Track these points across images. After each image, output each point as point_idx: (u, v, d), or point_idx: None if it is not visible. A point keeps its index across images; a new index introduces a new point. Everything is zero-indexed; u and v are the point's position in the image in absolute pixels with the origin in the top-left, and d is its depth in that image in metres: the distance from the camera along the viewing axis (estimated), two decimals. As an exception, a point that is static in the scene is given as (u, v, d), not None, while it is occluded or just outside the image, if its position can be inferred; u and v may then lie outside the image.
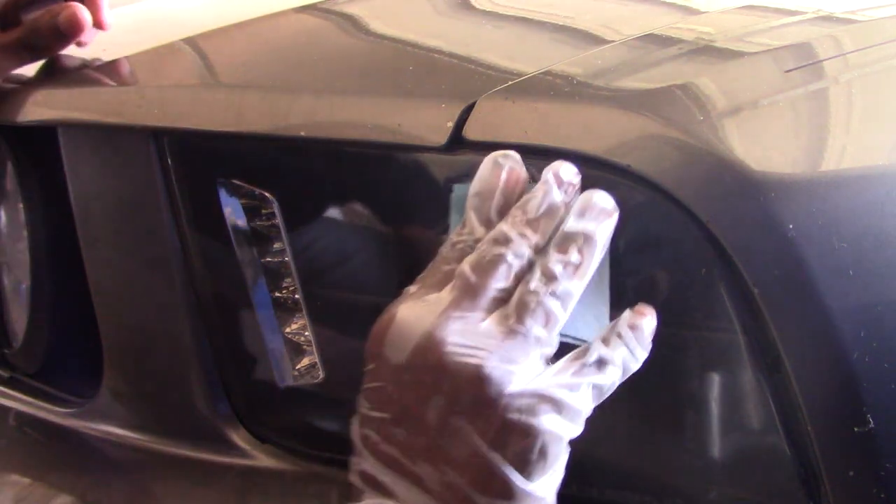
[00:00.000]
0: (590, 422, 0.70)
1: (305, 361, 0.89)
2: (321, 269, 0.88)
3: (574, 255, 0.66)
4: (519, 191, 0.69)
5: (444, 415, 0.62)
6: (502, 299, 0.65)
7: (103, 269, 0.96)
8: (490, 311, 0.65)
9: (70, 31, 0.99)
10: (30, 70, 1.05)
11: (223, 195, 0.88)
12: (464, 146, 0.77)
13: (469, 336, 0.63)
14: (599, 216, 0.67)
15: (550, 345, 0.65)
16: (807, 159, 0.78)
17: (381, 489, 0.64)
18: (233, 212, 0.88)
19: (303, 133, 0.82)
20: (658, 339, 0.73)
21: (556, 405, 0.63)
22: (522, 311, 0.64)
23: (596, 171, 0.74)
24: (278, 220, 0.87)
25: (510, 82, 0.80)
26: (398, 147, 0.80)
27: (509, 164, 0.70)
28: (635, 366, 0.67)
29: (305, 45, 1.03)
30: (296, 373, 0.89)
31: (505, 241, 0.66)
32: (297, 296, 0.87)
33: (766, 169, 0.74)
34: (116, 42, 1.07)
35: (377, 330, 0.66)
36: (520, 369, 0.62)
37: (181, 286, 0.90)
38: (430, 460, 0.63)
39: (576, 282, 0.66)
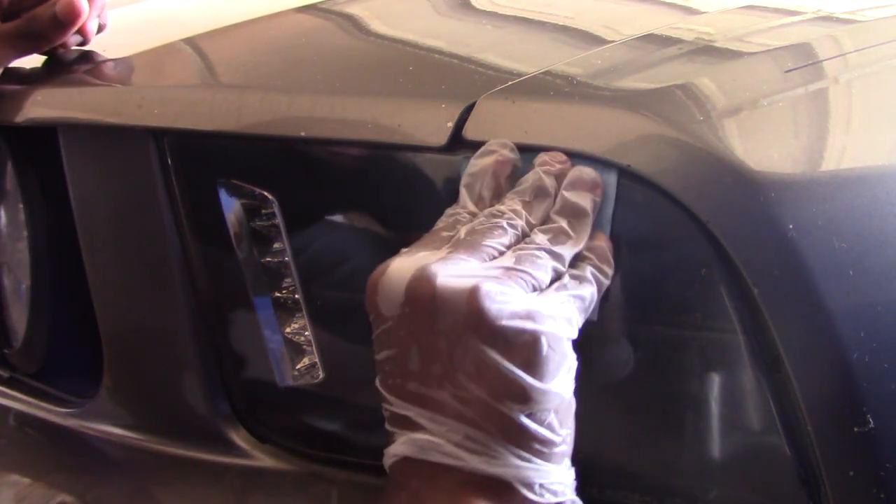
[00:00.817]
0: (590, 422, 0.70)
1: (305, 361, 0.89)
2: (321, 270, 0.88)
3: (564, 224, 0.72)
4: (508, 174, 0.75)
5: (451, 338, 0.65)
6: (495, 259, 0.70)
7: (103, 269, 0.96)
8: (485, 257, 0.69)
9: (68, 19, 0.99)
10: (30, 70, 1.05)
11: (223, 195, 0.88)
12: (464, 146, 0.77)
13: (463, 269, 0.67)
14: (587, 189, 0.73)
15: (540, 288, 0.69)
16: (807, 159, 0.78)
17: (409, 426, 0.67)
18: (233, 212, 0.88)
19: (303, 133, 0.82)
20: (658, 338, 0.74)
21: (550, 314, 0.67)
22: (515, 258, 0.69)
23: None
24: (278, 220, 0.87)
25: (510, 82, 0.80)
26: (398, 147, 0.80)
27: (501, 149, 0.75)
28: (606, 280, 0.72)
29: (305, 45, 1.03)
30: (296, 373, 0.89)
31: (499, 213, 0.71)
32: (297, 296, 0.87)
33: (766, 169, 0.74)
34: (116, 42, 1.07)
35: (372, 281, 0.69)
36: (512, 292, 0.66)
37: (181, 286, 0.90)
38: (446, 385, 0.66)
39: (567, 247, 0.71)
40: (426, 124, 0.78)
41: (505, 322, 0.64)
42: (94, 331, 0.97)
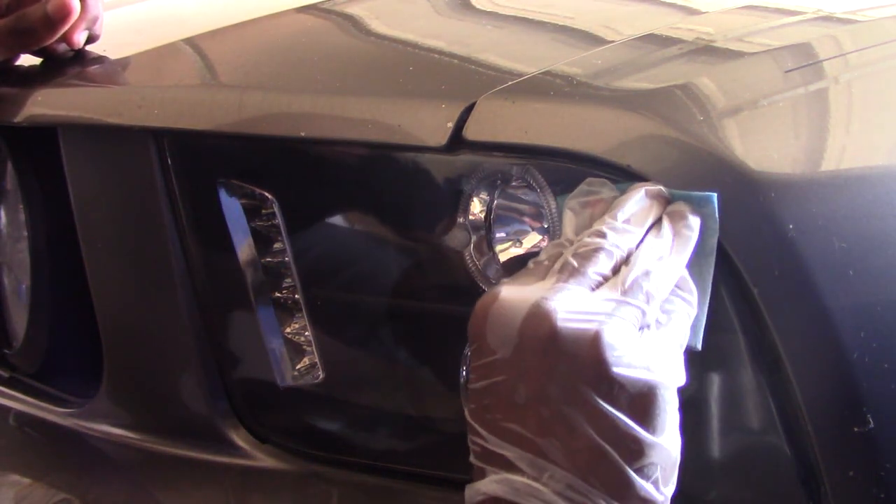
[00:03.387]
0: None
1: (305, 361, 0.89)
2: (321, 269, 0.88)
3: (664, 254, 0.69)
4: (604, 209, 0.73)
5: (566, 383, 0.63)
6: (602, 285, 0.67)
7: (103, 269, 0.96)
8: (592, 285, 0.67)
9: (58, 17, 0.98)
10: (30, 70, 1.05)
11: (223, 195, 0.88)
12: (464, 146, 0.77)
13: (578, 304, 0.64)
14: (684, 222, 0.71)
15: (647, 325, 0.67)
16: (807, 159, 0.78)
17: (503, 465, 0.64)
18: (233, 212, 0.88)
19: (303, 133, 0.82)
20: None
21: (665, 363, 0.65)
22: (624, 285, 0.66)
23: (596, 171, 0.74)
24: (278, 220, 0.87)
25: (510, 82, 0.80)
26: (398, 147, 0.80)
27: (602, 189, 0.73)
28: (692, 310, 0.70)
29: (305, 45, 1.03)
30: (296, 373, 0.89)
31: (601, 234, 0.69)
32: (297, 296, 0.87)
33: (766, 169, 0.74)
34: (116, 42, 1.07)
35: (480, 309, 0.66)
36: (630, 338, 0.64)
37: (181, 286, 0.90)
38: (555, 430, 0.63)
39: (668, 270, 0.68)
40: (426, 124, 0.78)
41: (623, 372, 0.62)
42: (94, 331, 0.97)
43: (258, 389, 0.92)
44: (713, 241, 0.71)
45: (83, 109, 0.95)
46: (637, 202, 0.71)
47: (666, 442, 0.64)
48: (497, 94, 0.78)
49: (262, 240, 0.87)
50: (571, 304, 0.64)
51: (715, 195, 0.71)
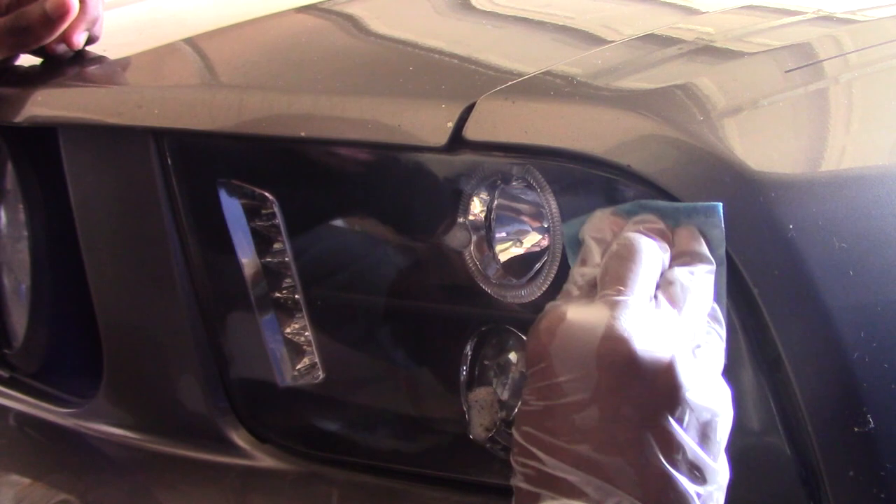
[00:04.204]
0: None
1: (305, 361, 0.89)
2: (321, 269, 0.88)
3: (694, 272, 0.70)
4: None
5: (642, 406, 0.63)
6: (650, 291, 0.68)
7: (103, 269, 0.96)
8: (647, 299, 0.67)
9: (57, 14, 0.98)
10: (30, 70, 1.05)
11: (223, 195, 0.88)
12: (464, 146, 0.77)
13: (648, 326, 0.64)
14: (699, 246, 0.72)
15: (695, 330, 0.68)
16: (807, 159, 0.78)
17: (565, 490, 0.63)
18: (233, 212, 0.88)
19: (303, 133, 0.82)
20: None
21: (725, 390, 0.66)
22: (673, 296, 0.67)
23: (596, 171, 0.74)
24: (278, 220, 0.87)
25: (510, 82, 0.80)
26: (398, 147, 0.80)
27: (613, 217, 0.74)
28: (723, 334, 0.70)
29: (305, 45, 1.03)
30: (296, 373, 0.89)
31: (634, 256, 0.68)
32: (297, 296, 0.87)
33: (766, 169, 0.74)
34: (116, 42, 1.07)
35: (545, 330, 0.66)
36: (700, 365, 0.65)
37: (181, 286, 0.90)
38: (627, 454, 0.63)
39: (697, 290, 0.69)
40: (426, 124, 0.78)
41: (696, 399, 0.63)
42: (94, 331, 0.97)
43: (258, 389, 0.92)
44: (721, 252, 0.71)
45: (83, 109, 0.95)
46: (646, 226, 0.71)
47: (722, 468, 0.65)
48: (497, 94, 0.78)
49: (262, 240, 0.87)
50: (642, 326, 0.64)
51: (720, 205, 0.71)
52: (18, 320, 1.10)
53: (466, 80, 0.84)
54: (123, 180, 0.93)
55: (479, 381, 0.83)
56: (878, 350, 0.74)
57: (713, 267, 0.70)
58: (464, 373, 0.83)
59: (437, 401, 0.86)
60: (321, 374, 0.88)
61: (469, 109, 0.77)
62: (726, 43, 0.89)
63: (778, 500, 0.77)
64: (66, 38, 1.02)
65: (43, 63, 1.06)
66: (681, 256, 0.70)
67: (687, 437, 0.63)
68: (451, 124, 0.77)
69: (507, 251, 0.80)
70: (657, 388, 0.63)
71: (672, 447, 0.63)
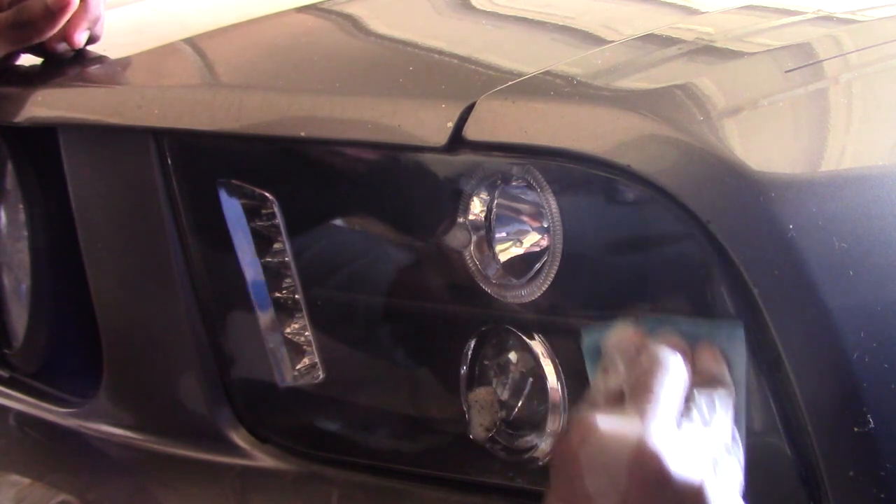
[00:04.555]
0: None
1: (305, 361, 0.89)
2: (321, 269, 0.88)
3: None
4: None
5: None
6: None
7: (103, 269, 0.96)
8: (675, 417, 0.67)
9: (58, 7, 0.98)
10: (30, 70, 1.05)
11: (223, 195, 0.88)
12: (464, 146, 0.77)
13: (677, 446, 0.64)
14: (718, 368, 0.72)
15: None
16: (807, 159, 0.78)
17: None
18: (233, 212, 0.88)
19: (303, 133, 0.82)
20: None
21: None
22: (698, 416, 0.67)
23: (596, 171, 0.74)
24: (278, 220, 0.87)
25: (510, 82, 0.80)
26: (398, 147, 0.80)
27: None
28: (740, 456, 0.70)
29: (305, 45, 1.03)
30: (296, 373, 0.89)
31: (660, 370, 0.68)
32: (297, 296, 0.87)
33: (766, 169, 0.74)
34: (116, 42, 1.07)
35: (577, 438, 0.65)
36: (715, 478, 0.64)
37: (181, 286, 0.90)
38: None
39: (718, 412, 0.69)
40: (426, 124, 0.78)
41: None
42: (94, 331, 0.97)
43: (258, 389, 0.92)
44: (741, 373, 0.72)
45: (83, 109, 0.95)
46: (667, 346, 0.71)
47: None
48: (497, 94, 0.78)
49: (262, 240, 0.87)
50: (673, 444, 0.63)
51: (741, 326, 0.72)
52: (18, 320, 1.10)
53: (466, 80, 0.84)
54: (123, 180, 0.93)
55: (479, 381, 0.83)
56: (878, 350, 0.74)
57: (732, 390, 0.71)
58: (464, 373, 0.83)
59: (437, 401, 0.87)
60: (321, 374, 0.88)
61: (469, 109, 0.77)
62: (726, 43, 0.89)
63: (778, 500, 0.76)
64: (67, 37, 1.02)
65: (43, 63, 1.06)
66: (702, 377, 0.70)
67: None
68: (451, 124, 0.77)
69: (507, 251, 0.80)
70: None
71: None
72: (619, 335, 0.73)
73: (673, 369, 0.68)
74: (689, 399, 0.68)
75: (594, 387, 0.71)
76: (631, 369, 0.70)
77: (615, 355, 0.72)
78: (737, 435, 0.70)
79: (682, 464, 0.63)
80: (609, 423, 0.65)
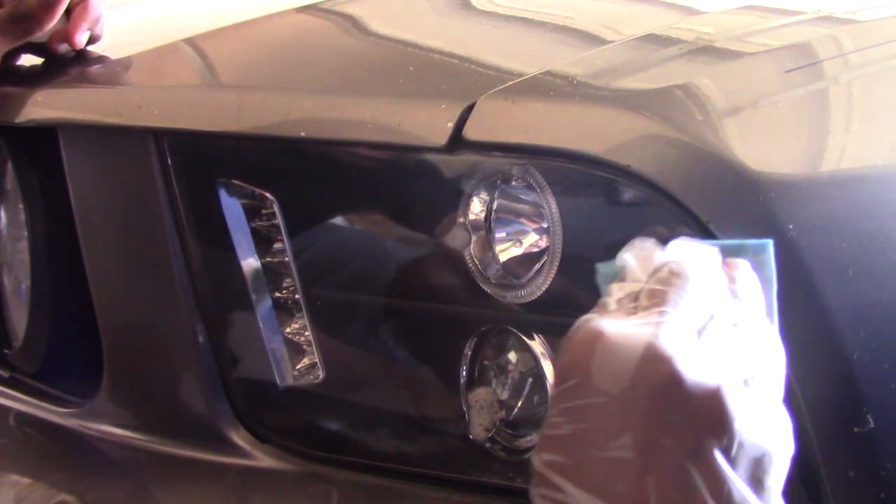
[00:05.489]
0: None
1: (305, 361, 0.89)
2: (321, 269, 0.88)
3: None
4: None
5: (685, 436, 0.56)
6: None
7: (103, 269, 0.96)
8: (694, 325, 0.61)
9: None
10: (30, 70, 1.05)
11: (223, 195, 0.88)
12: (464, 146, 0.77)
13: (693, 351, 0.58)
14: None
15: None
16: (807, 159, 0.78)
17: None
18: (233, 212, 0.88)
19: (303, 133, 0.82)
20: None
21: (785, 425, 0.61)
22: (723, 327, 0.62)
23: (596, 171, 0.74)
24: (278, 220, 0.87)
25: (510, 82, 0.80)
26: (398, 147, 0.80)
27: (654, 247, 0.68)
28: (781, 368, 0.65)
29: (305, 45, 1.03)
30: (296, 373, 0.89)
31: (679, 274, 0.63)
32: (297, 296, 0.87)
33: (765, 169, 0.74)
34: (116, 42, 1.07)
35: (581, 345, 0.60)
36: (752, 395, 0.59)
37: (181, 286, 0.90)
38: (665, 489, 0.56)
39: (747, 323, 0.64)
40: (426, 124, 0.78)
41: (747, 432, 0.57)
42: (94, 331, 0.97)
43: (258, 389, 0.92)
44: (772, 291, 0.68)
45: (83, 109, 0.95)
46: (692, 257, 0.65)
47: None
48: (497, 94, 0.78)
49: (262, 240, 0.87)
50: (688, 349, 0.58)
51: (770, 242, 0.67)
52: (18, 320, 1.10)
53: (466, 80, 0.84)
54: (123, 180, 0.93)
55: (479, 381, 0.83)
56: (878, 350, 0.74)
57: (764, 306, 0.66)
58: (464, 373, 0.83)
59: (437, 401, 0.87)
60: (321, 374, 0.88)
61: (469, 109, 0.77)
62: (726, 43, 0.89)
63: (778, 500, 0.76)
64: (67, 38, 1.02)
65: (44, 63, 1.06)
66: (731, 291, 0.64)
67: (734, 475, 0.56)
68: (451, 124, 0.77)
69: (507, 251, 0.80)
70: (702, 416, 0.56)
71: (717, 484, 0.56)
72: (639, 245, 0.66)
73: (697, 276, 0.62)
74: (716, 312, 0.61)
75: (606, 294, 0.64)
76: (651, 275, 0.63)
77: (633, 261, 0.65)
78: (775, 340, 0.65)
79: (696, 370, 0.57)
80: (617, 326, 0.59)
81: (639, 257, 0.66)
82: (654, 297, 0.61)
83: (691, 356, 0.57)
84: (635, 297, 0.63)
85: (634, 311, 0.61)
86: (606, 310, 0.63)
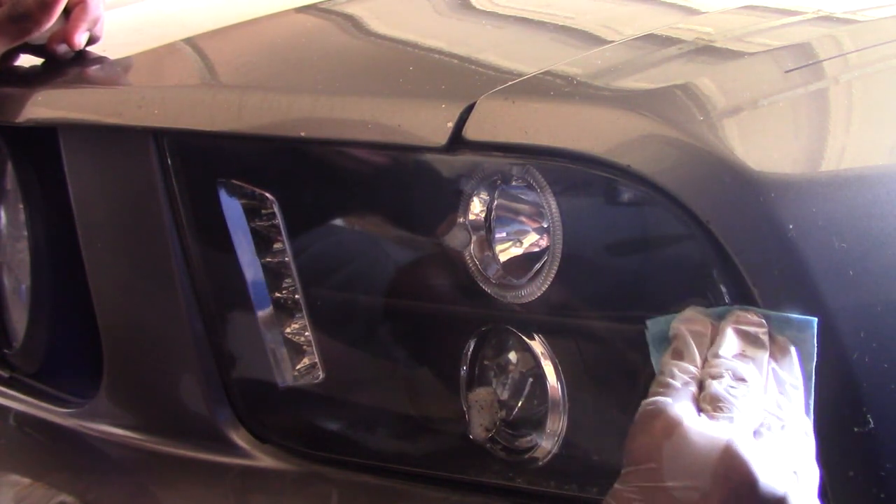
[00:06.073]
0: (588, 420, 0.70)
1: (305, 361, 0.89)
2: (321, 269, 0.88)
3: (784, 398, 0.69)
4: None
5: None
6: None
7: (103, 269, 0.96)
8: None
9: None
10: (30, 70, 1.05)
11: (223, 195, 0.88)
12: (464, 146, 0.77)
13: (764, 454, 0.63)
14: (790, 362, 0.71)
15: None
16: (807, 159, 0.78)
17: None
18: (233, 212, 0.88)
19: (303, 133, 0.82)
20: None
21: None
22: (775, 422, 0.66)
23: (596, 171, 0.74)
24: (278, 220, 0.87)
25: (510, 82, 0.80)
26: (398, 147, 0.80)
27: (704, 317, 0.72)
28: (812, 451, 0.69)
29: (305, 45, 1.03)
30: (296, 373, 0.89)
31: (741, 377, 0.67)
32: (297, 296, 0.87)
33: (765, 169, 0.74)
34: (116, 42, 1.07)
35: (660, 429, 0.64)
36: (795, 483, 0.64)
37: (181, 286, 0.90)
38: None
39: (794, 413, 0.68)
40: (426, 124, 0.78)
41: None
42: (94, 331, 0.97)
43: (258, 389, 0.92)
44: (811, 367, 0.70)
45: (83, 109, 0.95)
46: (741, 334, 0.70)
47: None
48: (497, 94, 0.78)
49: (262, 240, 0.87)
50: (761, 452, 0.63)
51: (815, 321, 0.70)
52: (18, 320, 1.11)
53: (466, 80, 0.84)
54: (123, 180, 0.93)
55: (479, 381, 0.83)
56: (878, 350, 0.74)
57: (801, 385, 0.70)
58: (464, 373, 0.83)
59: (437, 401, 0.87)
60: (321, 374, 0.88)
61: (469, 109, 0.77)
62: (726, 43, 0.89)
63: (778, 500, 0.76)
64: (67, 39, 1.02)
65: (43, 63, 1.06)
66: (776, 374, 0.69)
67: None
68: (451, 124, 0.77)
69: (507, 251, 0.80)
70: None
71: None
72: (689, 316, 0.71)
73: (758, 361, 0.67)
74: (768, 413, 0.67)
75: (665, 369, 0.68)
76: (709, 355, 0.68)
77: (688, 336, 0.69)
78: (810, 430, 0.68)
79: (768, 472, 0.62)
80: (694, 421, 0.63)
81: (692, 332, 0.70)
82: (717, 400, 0.65)
83: (764, 459, 0.62)
84: (696, 378, 0.67)
85: (694, 391, 0.66)
86: (670, 390, 0.66)
